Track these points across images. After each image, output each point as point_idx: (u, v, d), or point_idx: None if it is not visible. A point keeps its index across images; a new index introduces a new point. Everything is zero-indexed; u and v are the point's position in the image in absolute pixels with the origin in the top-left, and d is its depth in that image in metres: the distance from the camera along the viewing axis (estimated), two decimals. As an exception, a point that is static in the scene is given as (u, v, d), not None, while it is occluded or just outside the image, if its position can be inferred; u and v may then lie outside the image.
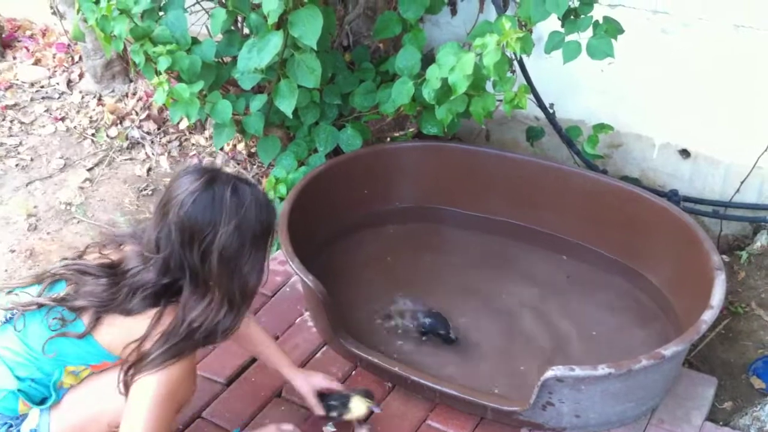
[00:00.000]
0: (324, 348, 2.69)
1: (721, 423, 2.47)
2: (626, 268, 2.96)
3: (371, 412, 2.36)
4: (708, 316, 2.33)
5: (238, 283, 1.90)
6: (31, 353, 1.90)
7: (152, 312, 1.87)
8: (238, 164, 3.55)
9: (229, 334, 1.97)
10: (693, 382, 2.56)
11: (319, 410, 2.32)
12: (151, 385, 1.87)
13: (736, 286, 3.01)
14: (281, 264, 3.00)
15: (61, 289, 1.93)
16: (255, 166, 3.52)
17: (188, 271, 1.85)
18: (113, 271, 1.92)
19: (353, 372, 2.60)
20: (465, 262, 3.07)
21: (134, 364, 1.87)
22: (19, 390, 1.90)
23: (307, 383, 2.35)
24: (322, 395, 2.35)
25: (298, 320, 2.79)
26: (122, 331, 1.88)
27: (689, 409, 2.48)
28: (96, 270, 1.91)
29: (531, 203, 3.14)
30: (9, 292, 1.99)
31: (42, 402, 1.94)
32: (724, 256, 3.08)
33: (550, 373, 2.22)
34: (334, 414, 2.32)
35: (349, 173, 3.11)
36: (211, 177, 1.86)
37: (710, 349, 2.78)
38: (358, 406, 2.31)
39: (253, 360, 2.62)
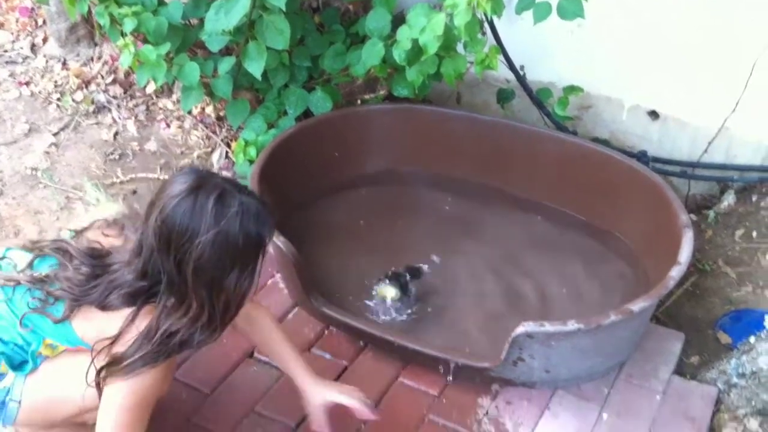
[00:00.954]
0: (295, 310, 2.69)
1: (688, 377, 2.52)
2: (596, 228, 2.99)
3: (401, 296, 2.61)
4: (676, 272, 2.36)
5: (218, 295, 1.80)
6: (15, 321, 1.88)
7: (127, 311, 1.81)
8: (207, 128, 3.51)
9: (206, 345, 1.91)
10: (661, 338, 2.60)
11: (319, 428, 2.19)
12: (122, 391, 1.81)
13: (704, 245, 3.05)
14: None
15: (48, 267, 1.89)
16: (224, 130, 3.48)
17: (165, 277, 1.77)
18: (97, 262, 1.87)
19: (325, 332, 2.60)
20: (437, 225, 3.07)
21: (107, 367, 1.81)
22: (1, 353, 1.89)
23: (321, 397, 2.17)
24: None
25: (269, 282, 2.79)
26: (96, 325, 1.84)
27: (657, 363, 2.52)
28: (81, 257, 1.87)
29: (502, 165, 3.15)
30: (2, 257, 1.97)
31: (20, 366, 1.92)
32: (691, 216, 3.10)
33: (520, 329, 2.24)
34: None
35: (319, 136, 3.09)
36: (198, 182, 1.76)
37: (678, 305, 2.82)
38: (382, 291, 2.62)
39: (225, 322, 2.61)
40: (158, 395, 1.92)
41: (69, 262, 1.87)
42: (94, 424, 1.86)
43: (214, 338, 1.90)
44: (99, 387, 1.84)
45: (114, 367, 1.80)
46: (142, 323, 1.81)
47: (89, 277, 1.84)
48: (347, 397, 2.16)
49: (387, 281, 2.66)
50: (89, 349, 1.86)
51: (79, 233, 1.99)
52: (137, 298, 1.82)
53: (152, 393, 1.86)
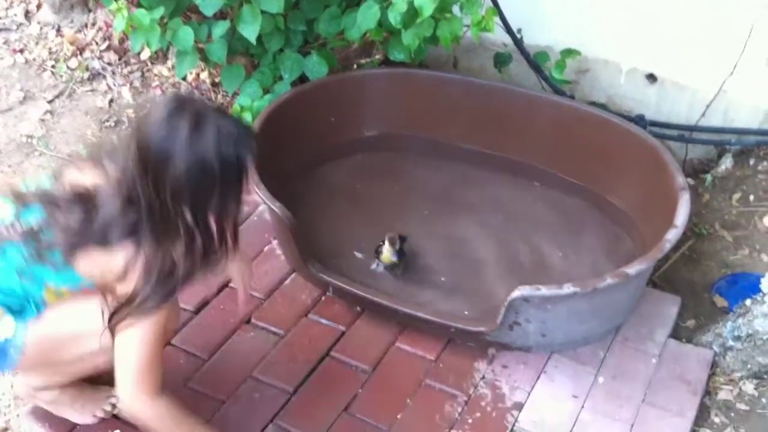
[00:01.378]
0: (293, 275, 2.69)
1: (684, 340, 2.53)
2: (593, 192, 2.97)
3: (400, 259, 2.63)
4: (672, 235, 2.36)
5: (204, 220, 1.80)
6: (13, 274, 1.87)
7: (128, 244, 1.79)
8: (203, 94, 3.49)
9: (212, 273, 1.92)
10: (657, 301, 2.61)
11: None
12: (137, 333, 1.84)
13: (701, 209, 3.04)
14: (247, 193, 2.97)
15: (34, 217, 1.86)
16: (219, 95, 3.46)
17: (144, 202, 1.76)
18: (85, 203, 1.84)
19: (322, 298, 2.61)
20: (434, 189, 3.06)
21: (119, 310, 1.82)
22: (1, 303, 1.88)
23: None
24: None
25: (266, 248, 2.78)
26: (99, 263, 1.83)
27: (653, 327, 2.53)
28: (68, 203, 1.84)
29: (499, 129, 3.12)
30: None
31: (21, 312, 1.91)
32: (689, 180, 3.09)
33: (516, 293, 2.24)
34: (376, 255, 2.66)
35: (315, 101, 3.06)
36: (178, 105, 1.75)
37: (674, 269, 2.82)
38: (385, 254, 2.62)
39: (222, 288, 2.62)
40: (171, 329, 1.93)
41: (57, 210, 1.83)
42: (105, 368, 1.90)
43: (217, 267, 1.91)
44: (112, 333, 1.86)
45: (126, 309, 1.81)
46: (141, 259, 1.79)
47: (82, 221, 1.81)
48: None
49: (387, 245, 2.64)
50: (95, 291, 1.87)
51: (57, 176, 1.94)
52: (134, 228, 1.79)
53: (164, 327, 1.91)
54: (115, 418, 2.21)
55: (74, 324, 1.93)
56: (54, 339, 1.94)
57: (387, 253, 2.63)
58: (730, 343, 2.42)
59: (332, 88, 3.12)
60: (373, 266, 2.71)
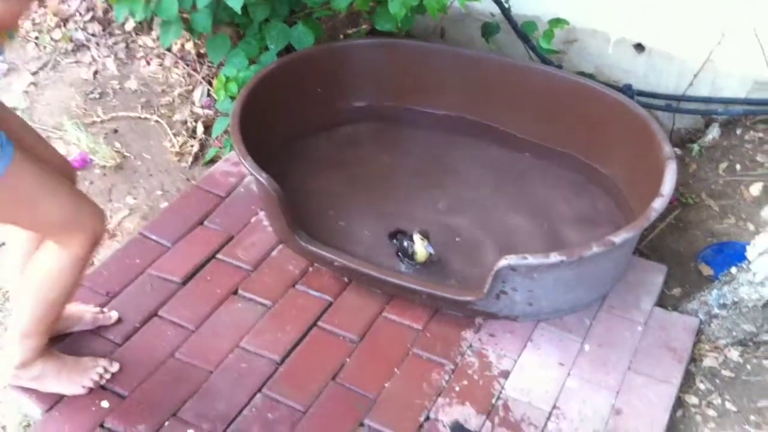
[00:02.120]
0: (280, 247, 2.68)
1: (669, 308, 2.55)
2: (581, 161, 2.97)
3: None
4: (658, 203, 2.36)
5: None
6: None
7: None
8: (188, 65, 3.46)
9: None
10: (643, 270, 2.62)
11: None
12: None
13: (688, 178, 3.05)
14: (235, 165, 2.97)
15: None
16: (205, 67, 3.43)
17: None
18: None
19: (309, 269, 2.61)
20: (422, 160, 3.05)
21: None
22: None
23: None
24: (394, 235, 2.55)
25: (253, 220, 2.78)
26: None
27: (639, 295, 2.54)
28: None
29: (487, 100, 3.12)
30: None
31: None
32: (676, 149, 3.11)
33: (503, 262, 2.25)
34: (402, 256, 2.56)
35: (301, 72, 3.04)
36: None
37: (661, 239, 2.83)
38: (420, 251, 2.51)
39: (209, 259, 2.62)
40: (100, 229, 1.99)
41: None
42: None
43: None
44: None
45: None
46: None
47: None
48: None
49: (418, 242, 2.54)
50: None
51: None
52: None
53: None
54: (102, 388, 2.22)
55: None
56: None
57: (422, 248, 2.53)
58: (716, 310, 2.43)
59: (319, 59, 3.10)
60: (403, 268, 2.62)
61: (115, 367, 2.24)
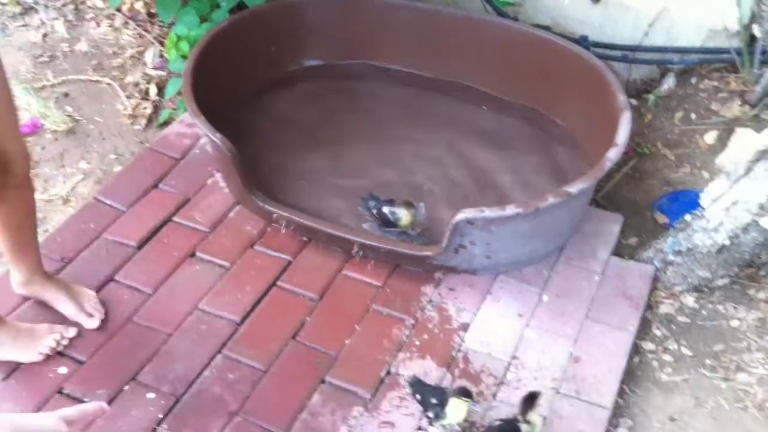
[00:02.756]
0: (237, 207, 2.66)
1: (626, 257, 2.57)
2: (540, 113, 2.98)
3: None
4: (613, 153, 2.38)
5: None
6: None
7: None
8: (138, 25, 3.39)
9: None
10: (600, 220, 2.64)
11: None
12: None
13: (643, 128, 3.06)
14: (189, 126, 2.92)
15: None
16: (156, 26, 3.37)
17: None
18: None
19: (268, 229, 2.59)
20: (380, 117, 3.03)
21: None
22: None
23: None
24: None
25: (209, 182, 2.74)
26: None
27: (596, 245, 2.56)
28: None
29: (444, 54, 3.10)
30: None
31: None
32: (632, 100, 3.11)
33: (460, 216, 2.25)
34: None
35: (254, 29, 2.99)
36: None
37: (617, 189, 2.85)
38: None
39: (165, 222, 2.59)
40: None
41: None
42: None
43: None
44: None
45: None
46: None
47: None
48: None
49: (404, 211, 2.49)
50: None
51: None
52: None
53: None
54: (60, 354, 2.20)
55: None
56: None
57: (408, 216, 2.47)
58: (671, 257, 2.46)
59: (272, 16, 3.05)
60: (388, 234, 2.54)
61: (71, 332, 2.22)
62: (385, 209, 2.52)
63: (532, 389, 2.04)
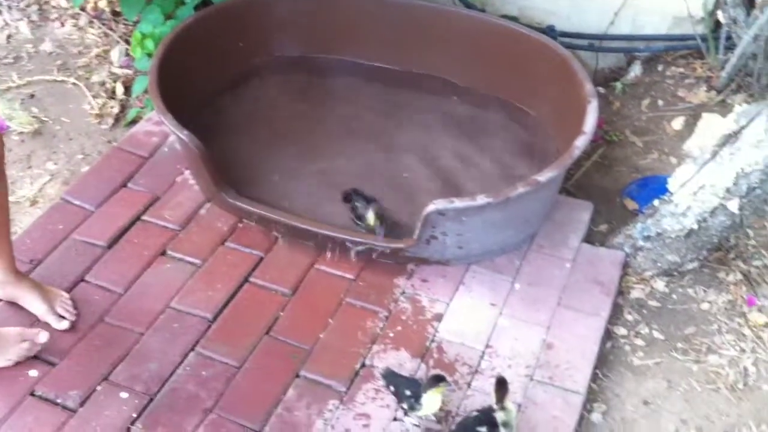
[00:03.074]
0: (207, 205, 2.64)
1: (597, 244, 2.59)
2: (509, 104, 2.98)
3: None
4: (581, 141, 2.39)
5: None
6: None
7: None
8: (103, 24, 3.36)
9: None
10: (570, 208, 2.66)
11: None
12: None
13: (612, 116, 3.09)
14: (157, 124, 2.90)
15: None
16: (121, 25, 3.34)
17: None
18: None
19: (239, 225, 2.58)
20: (352, 111, 3.02)
21: None
22: None
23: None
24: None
25: (178, 179, 2.73)
26: None
27: (567, 233, 2.58)
28: None
29: (413, 46, 3.09)
30: None
31: None
32: (600, 89, 3.14)
33: (431, 207, 2.25)
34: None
35: (220, 25, 2.96)
36: None
37: (587, 177, 2.87)
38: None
39: (134, 221, 2.57)
40: None
41: None
42: None
43: None
44: None
45: None
46: None
47: None
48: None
49: (373, 216, 2.47)
50: None
51: None
52: None
53: None
54: (32, 357, 2.17)
55: None
56: None
57: (372, 218, 2.45)
58: (641, 243, 2.49)
59: (238, 11, 3.03)
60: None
61: (43, 338, 2.16)
62: (359, 204, 2.52)
63: (500, 376, 2.05)
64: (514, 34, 2.95)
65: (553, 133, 2.83)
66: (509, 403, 2.01)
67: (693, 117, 2.99)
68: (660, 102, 3.09)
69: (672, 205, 2.40)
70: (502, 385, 2.00)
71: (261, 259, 2.49)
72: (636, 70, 3.21)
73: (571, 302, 2.38)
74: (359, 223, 2.52)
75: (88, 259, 2.44)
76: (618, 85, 3.18)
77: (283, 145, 2.86)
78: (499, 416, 1.98)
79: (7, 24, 3.48)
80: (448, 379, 2.10)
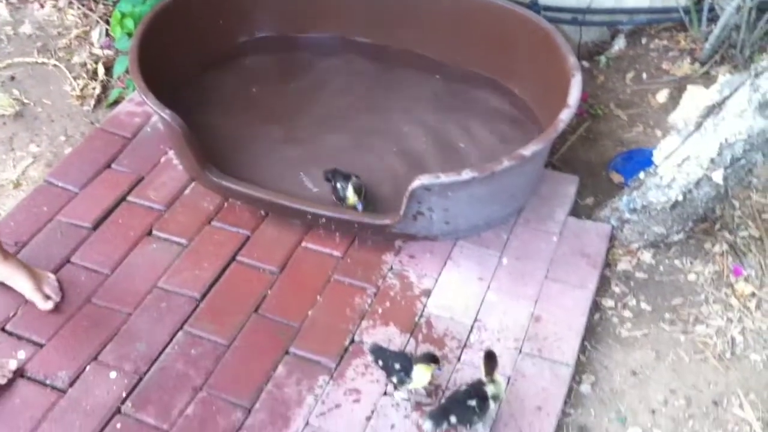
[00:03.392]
0: (192, 185, 2.63)
1: (583, 217, 2.60)
2: (493, 81, 2.97)
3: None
4: (565, 114, 2.38)
5: None
6: None
7: None
8: (83, 5, 3.32)
9: None
10: (556, 182, 2.66)
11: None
12: None
13: (596, 90, 3.09)
14: (139, 105, 2.88)
15: None
16: (100, 5, 3.30)
17: None
18: None
19: (225, 204, 2.57)
20: (334, 88, 3.01)
21: None
22: None
23: None
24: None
25: (162, 159, 2.71)
26: None
27: (553, 207, 2.58)
28: None
29: (395, 23, 3.07)
30: None
31: None
32: (584, 63, 3.14)
33: (416, 183, 2.25)
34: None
35: (200, 4, 2.93)
36: None
37: (572, 151, 2.87)
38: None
39: (119, 202, 2.55)
40: None
41: None
42: None
43: None
44: None
45: None
46: None
47: None
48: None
49: (351, 192, 2.46)
50: None
51: None
52: None
53: None
54: (18, 338, 2.17)
55: None
56: None
57: (353, 197, 2.45)
58: (627, 215, 2.49)
59: (218, -11, 3.00)
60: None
61: (12, 365, 2.10)
62: (339, 184, 2.51)
63: (489, 349, 2.05)
64: (497, 9, 2.93)
65: (537, 107, 2.82)
66: (498, 376, 2.02)
67: (677, 89, 2.99)
68: (644, 75, 3.09)
69: (657, 177, 2.41)
70: (490, 358, 2.01)
71: (248, 237, 2.48)
72: (620, 44, 3.21)
73: (558, 275, 2.39)
74: (342, 203, 2.51)
75: (73, 240, 2.43)
76: (602, 58, 3.18)
77: (265, 123, 2.84)
78: (489, 389, 1.99)
79: (-15, 6, 3.43)
80: (438, 354, 2.11)
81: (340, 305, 2.30)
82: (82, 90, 3.07)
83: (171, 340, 2.19)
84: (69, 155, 2.73)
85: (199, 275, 2.35)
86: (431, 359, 2.03)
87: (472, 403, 1.97)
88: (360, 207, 2.45)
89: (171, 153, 2.72)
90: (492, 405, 1.99)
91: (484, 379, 2.00)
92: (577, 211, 2.62)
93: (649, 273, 2.48)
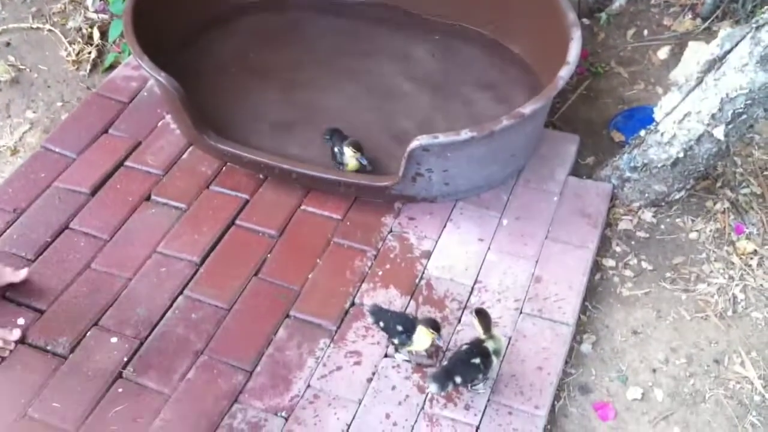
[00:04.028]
0: (190, 149, 2.61)
1: (584, 177, 2.58)
2: (491, 40, 2.94)
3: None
4: (565, 72, 2.36)
5: None
6: None
7: None
8: (76, -31, 3.28)
9: None
10: (556, 142, 2.64)
11: None
12: None
13: (597, 48, 3.05)
14: (135, 69, 2.85)
15: None
16: (94, -33, 3.26)
17: None
18: None
19: (223, 168, 2.55)
20: (330, 50, 2.97)
21: None
22: None
23: None
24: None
25: (160, 124, 2.69)
26: None
27: (554, 166, 2.56)
28: None
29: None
30: None
31: None
32: (585, 20, 3.10)
33: (415, 143, 2.23)
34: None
35: (195, -35, 2.90)
36: None
37: (573, 110, 2.84)
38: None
39: (117, 167, 2.54)
40: None
41: None
42: None
43: None
44: None
45: None
46: None
47: None
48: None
49: (350, 153, 2.44)
50: None
51: None
52: None
53: None
54: (18, 305, 2.17)
55: None
56: None
57: (352, 160, 2.44)
58: (627, 174, 2.47)
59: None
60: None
61: (15, 335, 2.09)
62: (336, 149, 2.49)
63: (478, 307, 2.05)
64: (497, -33, 2.89)
65: (536, 65, 2.79)
66: (496, 331, 2.02)
67: (678, 46, 2.95)
68: (645, 32, 3.05)
69: (658, 134, 2.38)
70: (483, 315, 2.01)
71: (246, 201, 2.47)
72: (620, 0, 3.16)
73: (558, 235, 2.38)
74: (340, 167, 2.49)
75: (71, 206, 2.42)
76: (602, 15, 3.13)
77: (261, 86, 2.81)
78: (489, 344, 1.99)
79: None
80: (438, 316, 2.11)
81: (340, 268, 2.30)
82: (77, 55, 3.04)
83: (171, 304, 2.19)
84: (66, 121, 2.71)
85: (198, 240, 2.34)
86: (433, 325, 2.03)
87: (476, 361, 1.97)
88: (364, 162, 2.43)
89: (168, 117, 2.70)
90: (495, 360, 2.00)
91: (482, 336, 2.00)
92: (577, 171, 2.61)
93: (650, 232, 2.47)
